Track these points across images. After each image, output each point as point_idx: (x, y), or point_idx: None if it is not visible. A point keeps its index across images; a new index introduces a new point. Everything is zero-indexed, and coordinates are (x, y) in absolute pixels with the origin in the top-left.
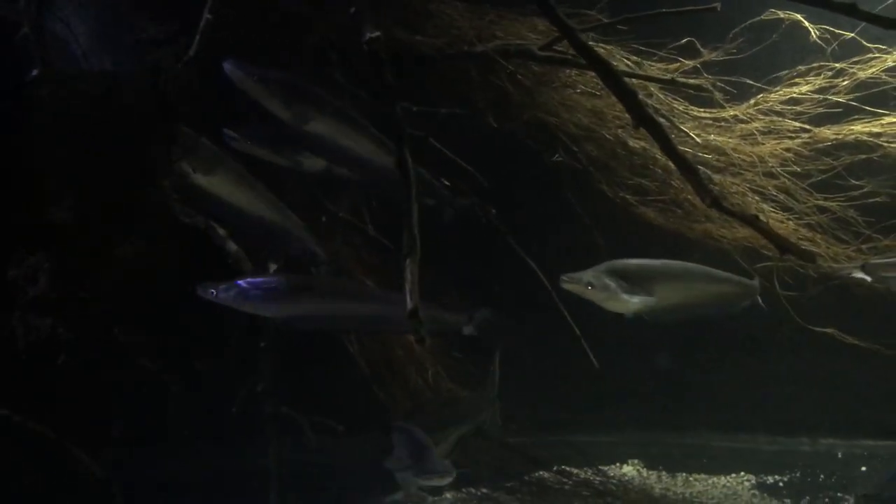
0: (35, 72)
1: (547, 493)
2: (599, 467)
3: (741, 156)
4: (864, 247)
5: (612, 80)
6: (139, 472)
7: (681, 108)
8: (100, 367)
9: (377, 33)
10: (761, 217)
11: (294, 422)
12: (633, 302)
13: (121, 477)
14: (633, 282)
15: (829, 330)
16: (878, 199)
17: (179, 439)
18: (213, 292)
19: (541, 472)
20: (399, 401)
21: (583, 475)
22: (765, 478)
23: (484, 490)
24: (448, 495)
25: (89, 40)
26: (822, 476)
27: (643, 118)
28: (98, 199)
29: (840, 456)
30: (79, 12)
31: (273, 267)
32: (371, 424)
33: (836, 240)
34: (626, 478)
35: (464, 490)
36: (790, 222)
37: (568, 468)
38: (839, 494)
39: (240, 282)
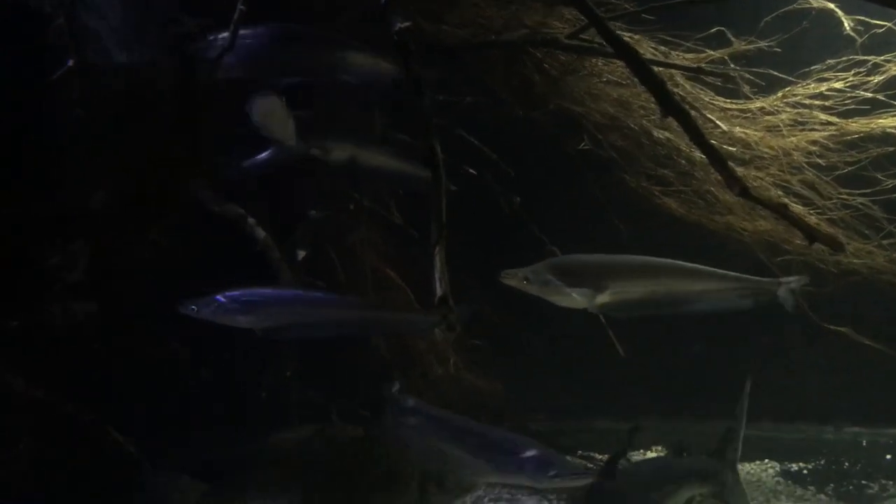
0: (69, 63)
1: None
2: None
3: (766, 149)
4: (885, 242)
5: (641, 68)
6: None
7: (707, 98)
8: (133, 352)
9: (407, 23)
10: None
11: (321, 408)
12: (576, 297)
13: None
14: (578, 277)
15: (843, 329)
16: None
17: (208, 424)
18: (193, 308)
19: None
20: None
21: (604, 461)
22: (789, 465)
23: None
24: None
25: (123, 33)
26: (846, 464)
27: (672, 107)
28: (132, 189)
29: (865, 444)
30: (112, 4)
31: (301, 254)
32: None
33: (858, 234)
34: None
35: None
36: (812, 217)
37: (591, 454)
38: (864, 482)
39: (218, 297)
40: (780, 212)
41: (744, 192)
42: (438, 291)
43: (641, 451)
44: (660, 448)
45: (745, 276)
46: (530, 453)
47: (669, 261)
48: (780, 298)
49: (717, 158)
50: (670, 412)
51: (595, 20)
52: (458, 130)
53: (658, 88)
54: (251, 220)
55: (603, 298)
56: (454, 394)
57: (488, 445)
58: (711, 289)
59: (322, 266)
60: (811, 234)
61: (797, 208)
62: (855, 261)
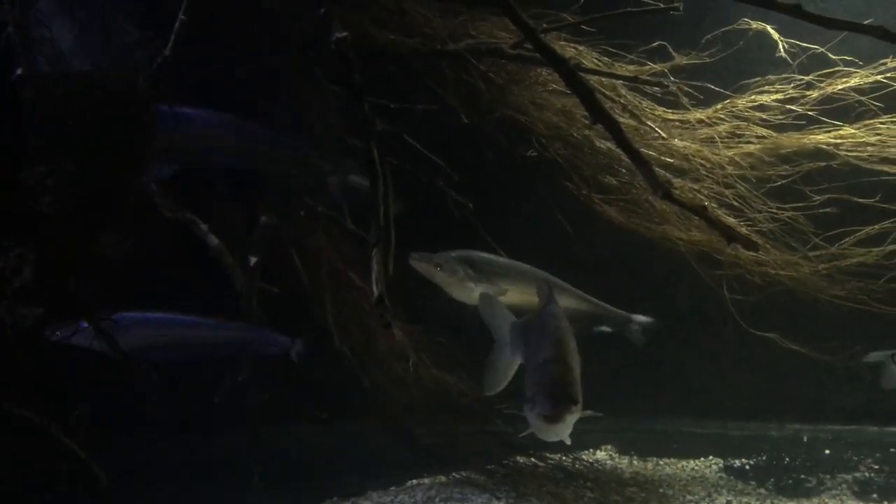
0: (18, 71)
1: (522, 477)
2: (573, 452)
3: (702, 161)
4: (811, 254)
5: (570, 76)
6: (120, 459)
7: (648, 109)
8: (84, 356)
9: (345, 33)
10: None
11: (278, 410)
12: (477, 292)
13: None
14: (481, 272)
15: (771, 334)
16: (827, 210)
17: (161, 428)
18: (58, 334)
19: (518, 457)
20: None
21: (557, 460)
22: (732, 461)
23: (463, 474)
24: (426, 480)
25: (71, 42)
26: (787, 459)
27: (600, 114)
28: (81, 193)
29: (805, 440)
30: (61, 14)
31: (254, 260)
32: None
33: (786, 247)
34: (599, 462)
35: (443, 474)
36: (743, 228)
37: (543, 453)
38: (803, 476)
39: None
40: (700, 213)
41: (666, 195)
42: (375, 292)
43: (591, 449)
44: (608, 447)
45: (602, 303)
46: None
47: (549, 275)
48: (627, 331)
49: (641, 162)
50: (619, 412)
51: (525, 29)
52: (405, 137)
53: (587, 96)
54: (203, 226)
55: (498, 294)
56: (419, 391)
57: None
58: (573, 308)
59: (280, 271)
60: (729, 235)
61: (729, 220)
62: (781, 272)
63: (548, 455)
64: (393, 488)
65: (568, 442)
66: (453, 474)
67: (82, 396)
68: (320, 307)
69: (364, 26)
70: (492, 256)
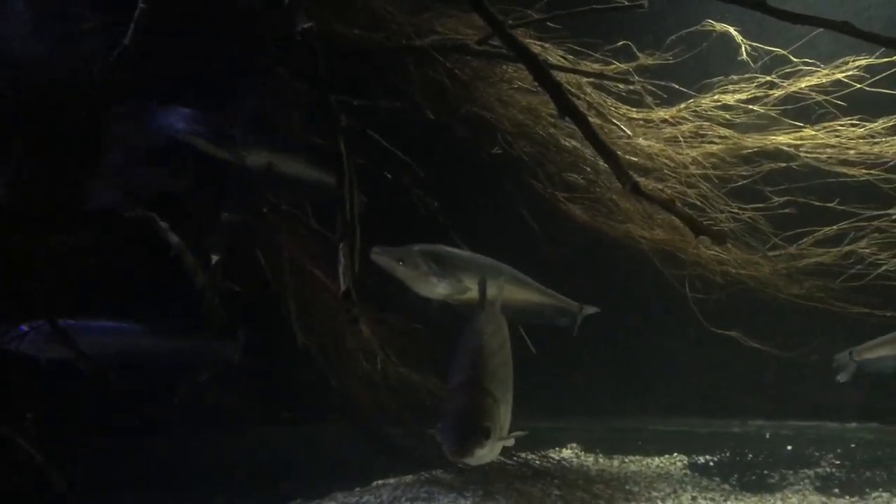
0: None
1: (490, 475)
2: (541, 451)
3: (666, 160)
4: (770, 254)
5: (539, 71)
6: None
7: (612, 107)
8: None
9: (310, 24)
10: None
11: (240, 411)
12: (440, 287)
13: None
14: (444, 267)
15: (732, 333)
16: (787, 210)
17: (124, 432)
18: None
19: None
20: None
21: (525, 458)
22: (696, 458)
23: (431, 473)
24: (392, 480)
25: (27, 30)
26: (750, 455)
27: (567, 108)
28: (35, 190)
29: (768, 436)
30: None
31: (215, 258)
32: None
33: (747, 246)
34: (566, 460)
35: (410, 474)
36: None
37: (511, 452)
38: (765, 472)
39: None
40: (668, 207)
41: (634, 187)
42: (342, 286)
43: (558, 448)
44: (575, 445)
45: (558, 294)
46: None
47: (510, 268)
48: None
49: (609, 155)
50: (586, 410)
51: (494, 24)
52: (370, 132)
53: (555, 90)
54: (163, 225)
55: (459, 292)
56: (385, 390)
57: None
58: (534, 300)
59: (244, 269)
60: (696, 228)
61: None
62: (742, 271)
63: (515, 453)
64: (358, 489)
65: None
66: (420, 474)
67: (37, 402)
68: (284, 306)
69: (328, 21)
70: (455, 250)
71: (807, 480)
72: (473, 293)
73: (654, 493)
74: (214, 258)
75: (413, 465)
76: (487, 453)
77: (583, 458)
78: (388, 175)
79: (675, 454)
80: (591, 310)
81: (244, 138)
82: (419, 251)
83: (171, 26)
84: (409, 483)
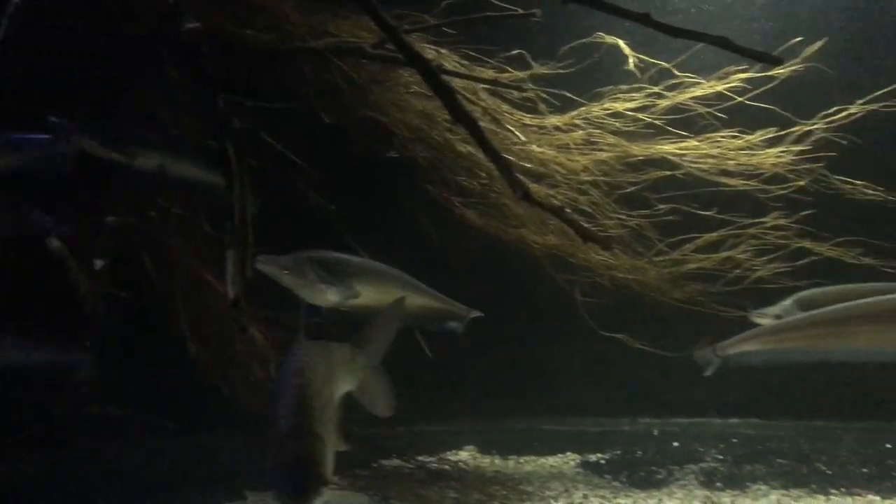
0: None
1: (388, 480)
2: (438, 454)
3: (558, 166)
4: (655, 259)
5: (431, 75)
6: None
7: (507, 113)
8: None
9: (196, 24)
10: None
11: (123, 422)
12: (329, 294)
13: None
14: (333, 274)
15: (619, 335)
16: (671, 217)
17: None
18: None
19: (383, 461)
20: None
21: (421, 462)
22: (589, 456)
23: None
24: None
25: None
26: (639, 453)
27: (460, 114)
28: None
29: (656, 433)
30: None
31: (99, 263)
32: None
33: (633, 252)
34: (463, 462)
35: None
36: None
37: (408, 456)
38: (653, 469)
39: None
40: (558, 214)
41: (526, 195)
42: (230, 294)
43: (455, 450)
44: (472, 447)
45: (449, 299)
46: None
47: (403, 274)
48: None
49: (501, 162)
50: (482, 412)
51: (387, 28)
52: (263, 135)
53: (447, 96)
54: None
55: (349, 299)
56: None
57: None
58: (427, 305)
59: (132, 274)
60: (584, 234)
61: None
62: (629, 276)
63: (412, 457)
64: (251, 498)
65: None
66: None
67: None
68: (174, 312)
69: (219, 21)
70: (344, 256)
71: (692, 476)
72: (366, 299)
73: (548, 493)
74: (98, 263)
75: None
76: (322, 500)
77: (479, 459)
78: (284, 178)
79: (569, 453)
80: (474, 313)
81: (133, 139)
82: (306, 258)
83: (52, 23)
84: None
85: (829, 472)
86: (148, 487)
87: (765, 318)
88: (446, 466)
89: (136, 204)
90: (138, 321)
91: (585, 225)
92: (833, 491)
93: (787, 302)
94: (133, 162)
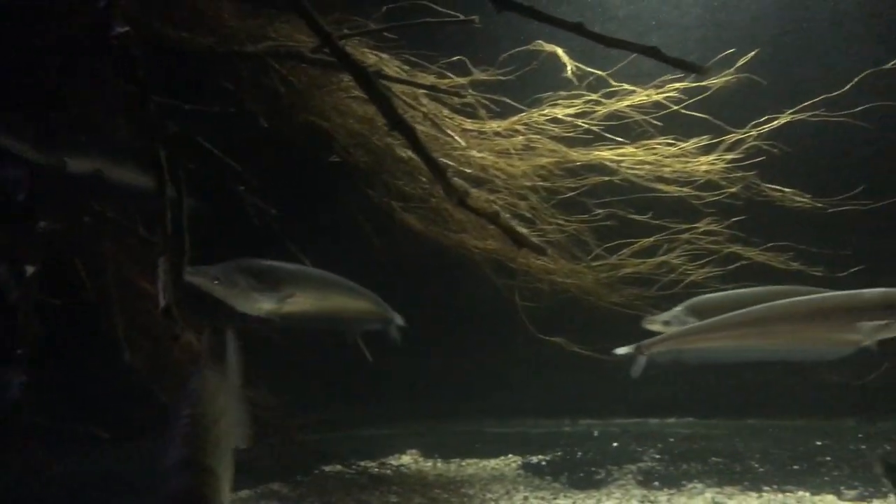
0: None
1: (328, 485)
2: (379, 458)
3: (498, 172)
4: (593, 263)
5: (366, 81)
6: None
7: (448, 118)
8: None
9: (126, 28)
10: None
11: (53, 431)
12: (261, 302)
13: None
14: (265, 282)
15: (558, 339)
16: (608, 223)
17: None
18: None
19: (324, 466)
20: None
21: (363, 466)
22: (530, 458)
23: (267, 486)
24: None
25: None
26: (579, 453)
27: (396, 120)
28: None
29: (596, 434)
30: None
31: (30, 269)
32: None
33: (572, 257)
34: (405, 466)
35: (247, 488)
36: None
37: (350, 461)
38: (593, 469)
39: None
40: (493, 220)
41: (461, 201)
42: (162, 302)
43: (396, 454)
44: (414, 451)
45: (383, 302)
46: None
47: (337, 277)
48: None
49: (436, 168)
50: (424, 415)
51: (321, 34)
52: (199, 140)
53: (383, 101)
54: None
55: (285, 306)
56: None
57: None
58: (363, 308)
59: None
60: (519, 241)
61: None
62: (567, 280)
63: (354, 462)
64: None
65: None
66: (256, 488)
67: None
68: (108, 319)
69: (152, 24)
70: (276, 263)
71: (630, 475)
72: (301, 305)
73: (489, 495)
74: (29, 269)
75: (249, 480)
76: None
77: (421, 463)
78: (223, 183)
79: (510, 455)
80: (398, 320)
81: (66, 143)
82: (236, 267)
83: None
84: (245, 498)
85: (762, 469)
86: (77, 493)
87: (655, 324)
88: (388, 471)
89: (69, 208)
90: (71, 328)
91: (521, 230)
92: (765, 488)
93: (678, 309)
94: (66, 166)
